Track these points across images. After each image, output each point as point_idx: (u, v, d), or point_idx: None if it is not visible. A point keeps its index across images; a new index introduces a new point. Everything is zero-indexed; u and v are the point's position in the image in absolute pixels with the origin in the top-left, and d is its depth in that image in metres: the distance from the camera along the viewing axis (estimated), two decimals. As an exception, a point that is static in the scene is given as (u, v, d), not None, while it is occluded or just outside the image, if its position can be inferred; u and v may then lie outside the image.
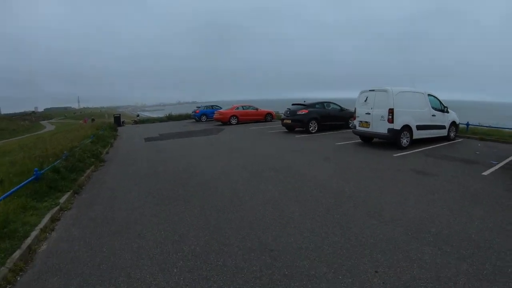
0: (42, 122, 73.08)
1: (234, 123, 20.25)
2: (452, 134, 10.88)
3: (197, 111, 25.68)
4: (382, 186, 5.64)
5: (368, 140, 10.77)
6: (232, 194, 5.47)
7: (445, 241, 3.55)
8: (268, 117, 21.64)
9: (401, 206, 4.64)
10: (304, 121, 13.51)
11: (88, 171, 7.60)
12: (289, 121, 14.06)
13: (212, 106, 26.99)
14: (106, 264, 3.35)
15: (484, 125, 12.89)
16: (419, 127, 9.67)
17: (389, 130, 9.11)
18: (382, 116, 9.25)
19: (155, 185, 6.24)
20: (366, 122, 9.81)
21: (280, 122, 20.25)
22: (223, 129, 17.31)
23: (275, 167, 7.34)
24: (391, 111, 9.06)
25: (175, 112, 33.78)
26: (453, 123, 10.85)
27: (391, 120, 9.07)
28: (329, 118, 14.31)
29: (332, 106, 14.88)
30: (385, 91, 9.29)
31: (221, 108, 26.01)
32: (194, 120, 26.23)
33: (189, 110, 34.79)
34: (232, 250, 3.50)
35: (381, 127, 9.33)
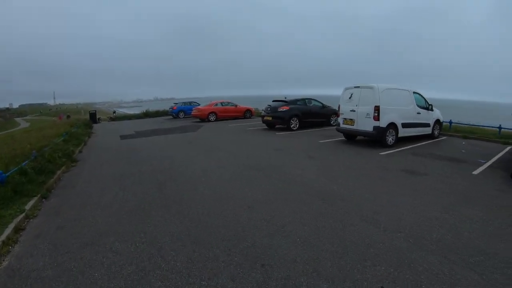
0: (17, 119, 68.81)
1: (212, 119, 19.61)
2: (436, 132, 10.94)
3: (174, 108, 24.74)
4: (372, 187, 5.37)
5: (352, 138, 10.61)
6: (214, 198, 4.97)
7: (449, 249, 3.28)
8: (247, 114, 21.18)
9: (396, 209, 4.37)
10: (285, 118, 13.19)
11: (58, 173, 6.82)
12: (269, 118, 13.67)
13: (190, 102, 26.13)
14: (74, 285, 2.80)
15: (465, 123, 13.16)
16: (405, 125, 9.60)
17: (375, 128, 8.94)
18: (367, 114, 9.07)
19: (130, 189, 5.61)
20: (351, 119, 9.61)
21: (260, 119, 19.97)
22: (202, 126, 16.66)
23: (258, 167, 6.92)
24: (377, 109, 8.89)
25: (152, 108, 32.49)
26: (437, 121, 10.90)
27: (377, 118, 8.90)
28: (311, 115, 14.09)
29: (313, 103, 14.67)
30: (371, 88, 9.11)
31: (199, 104, 25.24)
32: (171, 117, 25.27)
33: (167, 107, 33.58)
34: (218, 266, 3.03)
35: (366, 125, 9.14)
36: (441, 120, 11.29)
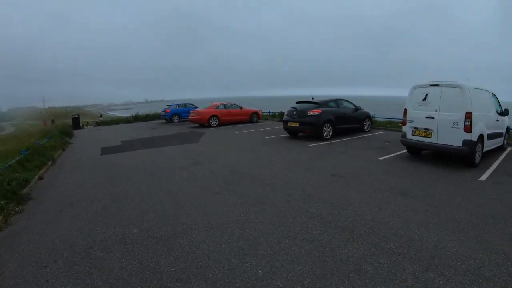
0: (3, 124, 64.21)
1: (214, 125, 16.69)
2: (505, 142, 8.64)
3: (168, 110, 21.68)
4: None
5: (419, 152, 7.95)
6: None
7: None
8: (253, 117, 18.33)
9: None
10: (318, 124, 10.40)
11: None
12: (296, 125, 10.82)
13: (185, 104, 23.09)
14: None
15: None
16: (489, 137, 7.07)
17: (466, 142, 6.28)
18: (454, 122, 6.38)
19: (107, 274, 2.77)
20: (427, 129, 6.89)
21: (272, 123, 17.23)
22: (204, 134, 13.71)
23: (331, 218, 4.11)
24: (469, 116, 6.24)
25: (143, 111, 29.25)
26: (507, 129, 8.60)
27: (468, 128, 6.24)
28: (344, 120, 11.40)
29: (345, 104, 11.98)
30: (459, 87, 6.43)
31: (195, 106, 22.30)
32: (164, 121, 22.22)
33: (158, 109, 30.46)
34: None
35: (451, 138, 6.46)
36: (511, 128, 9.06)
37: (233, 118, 17.51)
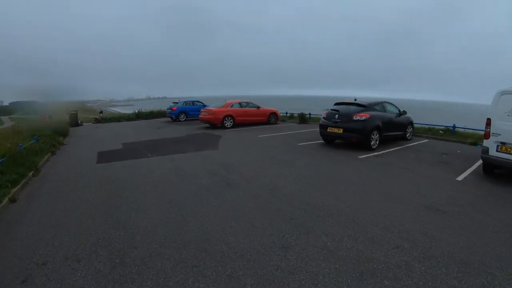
0: (3, 118, 61.97)
1: (229, 126, 14.62)
2: None
3: (174, 108, 19.61)
4: None
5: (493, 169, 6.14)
6: None
7: None
8: (272, 118, 16.28)
9: None
10: (366, 132, 8.41)
11: None
12: (338, 131, 8.76)
13: (192, 102, 21.05)
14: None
15: None
16: None
17: None
18: None
19: None
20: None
21: (290, 125, 15.22)
22: (220, 138, 11.65)
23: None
24: None
25: (145, 108, 27.14)
26: None
27: None
28: (391, 127, 9.43)
29: (389, 107, 9.96)
30: None
31: (204, 104, 20.28)
32: (170, 119, 20.17)
33: (160, 106, 28.44)
34: None
35: None
36: None
37: (250, 118, 15.44)
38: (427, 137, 11.70)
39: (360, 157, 7.89)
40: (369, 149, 8.64)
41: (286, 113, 19.60)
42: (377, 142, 8.81)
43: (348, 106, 9.14)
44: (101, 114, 25.67)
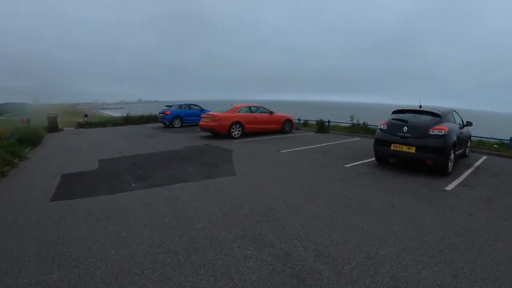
0: None
1: (236, 135, 11.92)
2: None
3: (168, 112, 16.81)
4: None
5: None
6: None
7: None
8: (286, 126, 13.63)
9: None
10: (446, 151, 5.97)
11: None
12: (410, 150, 6.11)
13: (189, 105, 18.27)
14: None
15: None
16: None
17: None
18: None
19: None
20: None
21: (308, 134, 12.19)
22: (232, 152, 8.93)
23: None
24: None
25: (136, 111, 24.26)
26: None
27: None
28: (460, 143, 7.01)
29: (456, 118, 7.49)
30: None
31: (202, 108, 17.62)
32: (162, 125, 17.39)
33: (151, 110, 25.59)
34: None
35: None
36: None
37: (261, 126, 12.75)
38: (481, 152, 9.41)
39: (446, 188, 5.35)
40: (445, 173, 6.13)
41: (299, 119, 17.01)
42: (452, 164, 6.30)
43: (417, 115, 6.55)
44: (85, 118, 22.64)
